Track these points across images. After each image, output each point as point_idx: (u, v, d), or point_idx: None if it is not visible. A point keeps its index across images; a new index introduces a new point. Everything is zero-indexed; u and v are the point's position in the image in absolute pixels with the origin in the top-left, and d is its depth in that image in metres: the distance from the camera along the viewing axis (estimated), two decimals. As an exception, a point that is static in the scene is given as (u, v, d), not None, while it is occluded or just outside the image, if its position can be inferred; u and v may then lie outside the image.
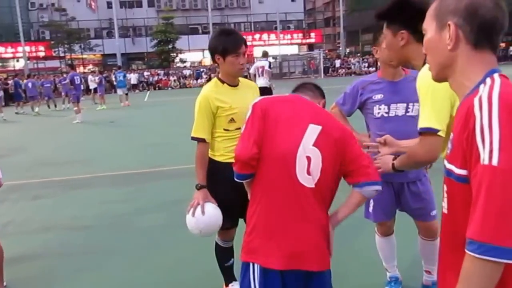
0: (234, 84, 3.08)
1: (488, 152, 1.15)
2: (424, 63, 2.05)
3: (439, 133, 2.01)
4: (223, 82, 3.06)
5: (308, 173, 2.05)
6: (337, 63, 40.99)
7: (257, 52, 45.91)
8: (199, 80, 37.49)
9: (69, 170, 8.43)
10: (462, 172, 1.25)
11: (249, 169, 2.11)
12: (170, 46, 42.84)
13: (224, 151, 3.07)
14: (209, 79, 36.25)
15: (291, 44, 46.89)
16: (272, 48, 43.60)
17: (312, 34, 49.13)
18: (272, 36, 45.65)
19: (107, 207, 6.02)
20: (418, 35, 2.10)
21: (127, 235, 4.99)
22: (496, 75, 1.28)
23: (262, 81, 12.72)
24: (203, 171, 3.04)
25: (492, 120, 1.16)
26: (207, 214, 2.93)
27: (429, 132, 2.03)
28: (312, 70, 39.06)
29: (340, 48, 45.95)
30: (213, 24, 43.99)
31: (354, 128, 3.18)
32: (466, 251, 1.18)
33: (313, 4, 66.11)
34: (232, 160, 3.02)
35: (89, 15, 45.49)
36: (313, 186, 2.06)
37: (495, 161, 1.14)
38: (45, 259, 4.52)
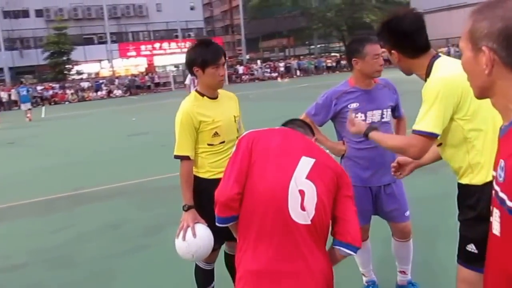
0: (214, 97, 2.95)
1: None
2: (428, 72, 2.17)
3: (438, 138, 2.11)
4: (202, 95, 2.93)
5: (302, 208, 1.85)
6: (240, 69, 41.54)
7: (158, 61, 45.11)
8: (99, 93, 35.80)
9: (-23, 201, 7.43)
10: None
11: (229, 211, 1.94)
12: (64, 58, 40.34)
13: (209, 167, 2.92)
14: (110, 92, 35.25)
15: (193, 52, 46.54)
16: (174, 56, 43.03)
17: (213, 42, 49.22)
18: (173, 44, 44.96)
19: (38, 240, 5.39)
20: (408, 52, 2.23)
21: (71, 269, 4.48)
22: None
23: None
24: (190, 191, 2.87)
25: None
26: (199, 236, 2.76)
27: (429, 136, 2.09)
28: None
29: (242, 55, 46.53)
30: (111, 33, 42.34)
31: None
32: None
33: (211, 12, 66.47)
34: (219, 176, 2.87)
35: (-32, 26, 41.30)
36: (308, 222, 1.85)
37: None
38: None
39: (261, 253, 1.82)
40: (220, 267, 3.21)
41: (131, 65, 44.54)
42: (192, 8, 49.69)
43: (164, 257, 4.45)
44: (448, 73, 2.07)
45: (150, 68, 43.35)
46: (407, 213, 3.17)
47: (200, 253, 2.78)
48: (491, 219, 1.33)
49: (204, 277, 3.15)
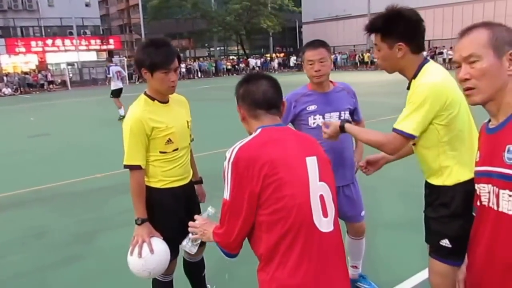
0: (165, 101, 2.70)
1: None
2: (416, 73, 2.19)
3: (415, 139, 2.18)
4: (153, 99, 2.66)
5: (325, 215, 1.76)
6: (140, 69, 40.05)
7: (50, 58, 41.78)
8: (-15, 92, 32.26)
9: None
10: None
11: (241, 247, 1.84)
12: None
13: (162, 176, 2.69)
14: (-2, 91, 31.89)
15: (89, 50, 43.86)
16: (69, 54, 40.22)
17: (111, 41, 46.83)
18: (67, 41, 41.97)
19: None
20: (413, 46, 2.20)
21: (-3, 286, 3.93)
22: None
23: (118, 84, 14.21)
24: (143, 203, 2.62)
25: None
26: (157, 252, 2.55)
27: (407, 137, 2.14)
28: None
29: (142, 55, 44.77)
30: (-4, 27, 38.41)
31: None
32: None
33: (107, 10, 63.37)
34: (172, 185, 2.71)
35: None
36: (332, 228, 1.78)
37: None
38: None
39: (297, 268, 1.70)
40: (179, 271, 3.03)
41: (20, 62, 40.71)
42: (87, 5, 46.66)
43: (104, 267, 4.12)
44: (437, 79, 2.10)
45: (42, 66, 40.02)
46: (363, 213, 3.25)
47: (158, 269, 2.58)
48: (491, 203, 1.56)
49: None
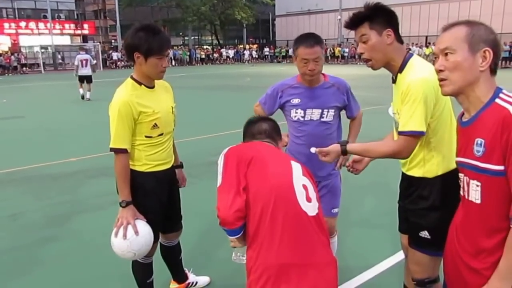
0: (151, 86, 2.66)
1: None
2: (403, 66, 2.14)
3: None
4: (140, 83, 2.61)
5: (308, 200, 1.86)
6: (115, 56, 39.19)
7: (24, 41, 40.26)
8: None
9: None
10: (500, 167, 1.49)
11: (238, 223, 1.84)
12: None
13: (146, 160, 2.66)
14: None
15: (63, 34, 42.52)
16: (42, 37, 38.90)
17: (86, 26, 45.51)
18: (41, 25, 40.55)
19: None
20: (398, 35, 2.17)
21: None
22: (505, 92, 1.58)
23: (84, 71, 14.91)
24: (127, 186, 2.58)
25: None
26: (142, 234, 2.53)
27: (418, 135, 2.05)
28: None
29: (118, 41, 43.68)
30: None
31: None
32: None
33: (81, -6, 61.31)
34: (156, 169, 2.67)
35: None
36: (314, 214, 1.87)
37: None
38: None
39: (282, 248, 1.73)
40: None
41: (-8, 43, 39.12)
42: (62, -11, 45.20)
43: (79, 249, 4.03)
44: (427, 73, 2.03)
45: (15, 48, 38.57)
46: (335, 210, 3.05)
47: (142, 251, 2.57)
48: (465, 192, 1.62)
49: (144, 271, 2.90)
